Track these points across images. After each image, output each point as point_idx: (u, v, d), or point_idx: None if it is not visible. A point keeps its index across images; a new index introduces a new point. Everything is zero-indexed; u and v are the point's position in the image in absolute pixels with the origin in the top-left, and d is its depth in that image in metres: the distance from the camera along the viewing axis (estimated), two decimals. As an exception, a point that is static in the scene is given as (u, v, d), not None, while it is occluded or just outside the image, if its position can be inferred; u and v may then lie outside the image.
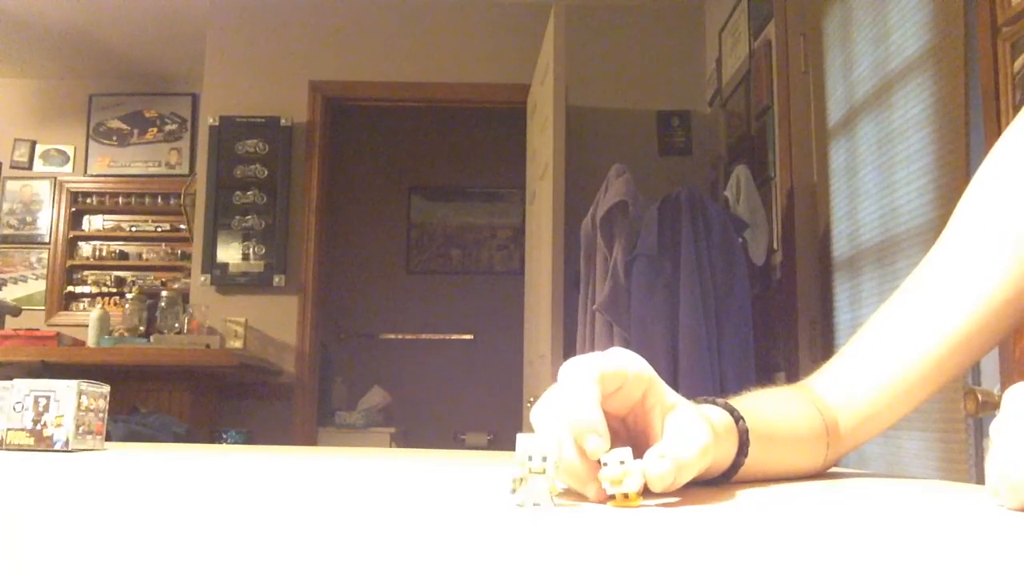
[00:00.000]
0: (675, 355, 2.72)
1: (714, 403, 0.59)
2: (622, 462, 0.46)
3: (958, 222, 0.73)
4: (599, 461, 0.48)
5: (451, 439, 4.84)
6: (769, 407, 0.66)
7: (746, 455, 0.58)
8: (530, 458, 0.46)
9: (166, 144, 5.56)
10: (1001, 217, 0.69)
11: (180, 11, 4.46)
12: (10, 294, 5.34)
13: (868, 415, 0.71)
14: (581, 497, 0.50)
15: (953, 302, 0.70)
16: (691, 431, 0.51)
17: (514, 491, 0.47)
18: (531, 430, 0.51)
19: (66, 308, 5.50)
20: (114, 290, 5.51)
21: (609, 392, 0.51)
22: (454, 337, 5.46)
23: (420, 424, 4.85)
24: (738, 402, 0.62)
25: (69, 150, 5.59)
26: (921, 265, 0.74)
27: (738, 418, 0.58)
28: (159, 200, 5.56)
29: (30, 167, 5.58)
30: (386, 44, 4.36)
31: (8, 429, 0.86)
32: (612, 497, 0.47)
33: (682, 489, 0.49)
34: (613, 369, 0.51)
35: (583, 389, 0.50)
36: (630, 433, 0.55)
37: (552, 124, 3.22)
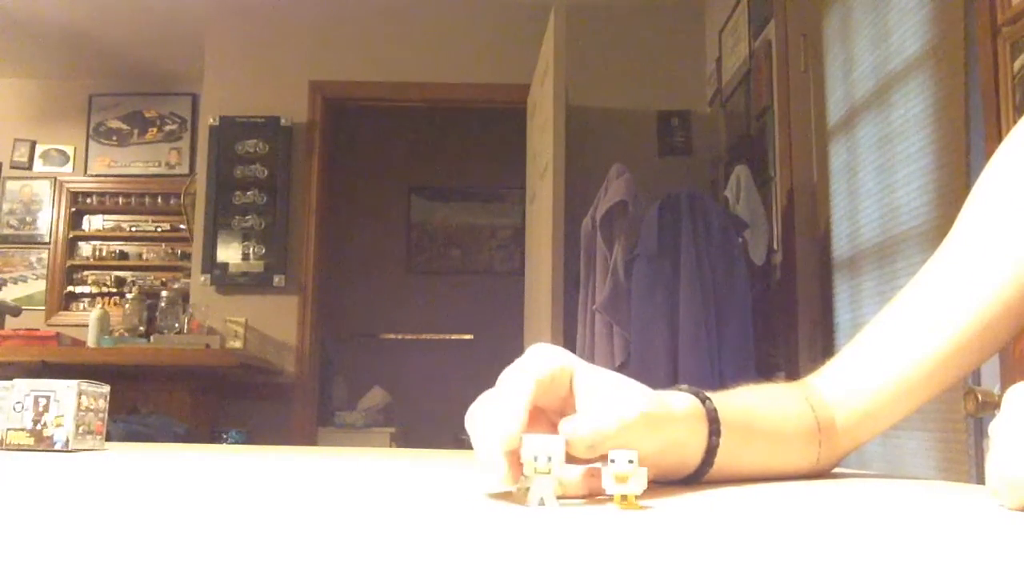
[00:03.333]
0: (675, 355, 2.72)
1: (679, 389, 0.59)
2: (631, 461, 0.46)
3: (962, 226, 0.73)
4: (601, 458, 0.48)
5: (451, 439, 4.83)
6: (752, 399, 0.65)
7: (719, 435, 0.57)
8: (535, 458, 0.46)
9: (166, 144, 5.56)
10: (1005, 222, 0.70)
11: (180, 11, 4.46)
12: (10, 294, 5.34)
13: (867, 415, 0.71)
14: (585, 498, 0.50)
15: (956, 305, 0.70)
16: (605, 399, 0.51)
17: (518, 490, 0.47)
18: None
19: (66, 308, 5.50)
20: (114, 290, 5.51)
21: (540, 395, 0.51)
22: (454, 337, 5.46)
23: (420, 424, 4.85)
24: (720, 394, 0.61)
25: (69, 150, 5.59)
26: (925, 268, 0.74)
27: (703, 399, 0.58)
28: (159, 200, 5.56)
29: (30, 167, 5.57)
30: (386, 44, 4.36)
31: (8, 429, 0.86)
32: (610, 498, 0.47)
33: (679, 488, 0.49)
34: (545, 374, 0.51)
35: (515, 400, 0.49)
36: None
37: (552, 124, 3.22)
